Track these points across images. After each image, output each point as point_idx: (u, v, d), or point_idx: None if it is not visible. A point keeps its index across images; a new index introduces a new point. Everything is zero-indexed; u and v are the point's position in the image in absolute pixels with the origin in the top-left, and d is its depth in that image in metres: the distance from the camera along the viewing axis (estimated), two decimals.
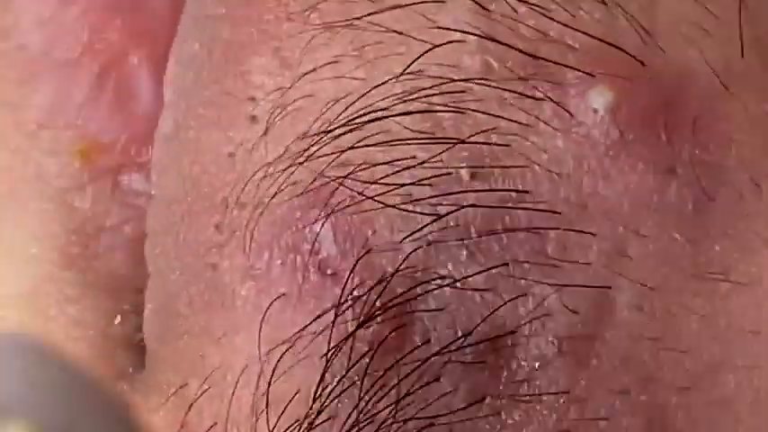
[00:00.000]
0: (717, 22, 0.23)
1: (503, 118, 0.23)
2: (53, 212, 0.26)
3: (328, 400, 0.23)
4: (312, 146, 0.24)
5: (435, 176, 0.23)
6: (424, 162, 0.23)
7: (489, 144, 0.23)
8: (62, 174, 0.27)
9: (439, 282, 0.23)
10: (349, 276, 0.23)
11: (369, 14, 0.24)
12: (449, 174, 0.23)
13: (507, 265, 0.23)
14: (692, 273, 0.23)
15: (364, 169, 0.23)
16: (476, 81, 0.23)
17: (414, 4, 0.24)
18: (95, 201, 0.27)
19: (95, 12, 0.27)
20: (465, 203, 0.23)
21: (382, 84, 0.23)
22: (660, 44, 0.23)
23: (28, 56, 0.27)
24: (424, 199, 0.23)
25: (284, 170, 0.24)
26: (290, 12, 0.24)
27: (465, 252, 0.23)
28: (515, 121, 0.23)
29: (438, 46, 0.23)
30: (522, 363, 0.23)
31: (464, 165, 0.23)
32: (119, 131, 0.27)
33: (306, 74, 0.24)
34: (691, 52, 0.23)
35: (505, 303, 0.23)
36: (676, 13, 0.23)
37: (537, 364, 0.23)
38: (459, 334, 0.23)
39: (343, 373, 0.23)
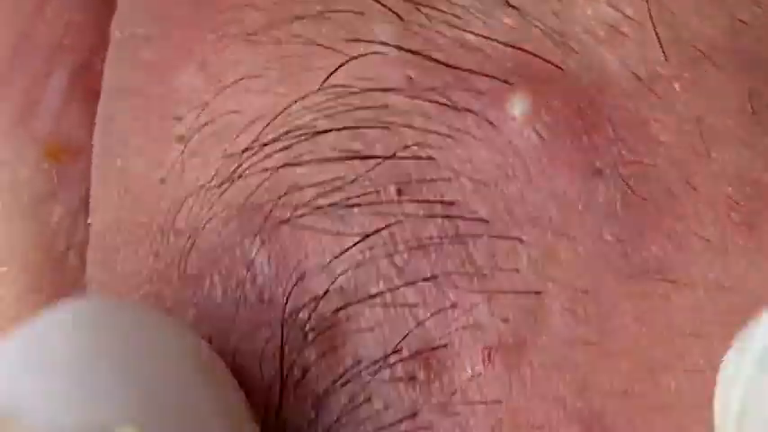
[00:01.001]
0: (633, 25, 0.23)
1: (427, 131, 0.23)
2: (23, 228, 0.27)
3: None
4: (240, 165, 0.24)
5: (363, 195, 0.23)
6: (352, 181, 0.23)
7: (415, 158, 0.23)
8: (33, 180, 0.27)
9: (369, 301, 0.23)
10: (285, 302, 0.23)
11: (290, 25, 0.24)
12: (377, 191, 0.23)
13: (437, 277, 0.23)
14: (627, 274, 0.23)
15: (294, 191, 0.24)
16: (397, 93, 0.23)
17: (335, 11, 0.24)
18: (64, 214, 0.27)
19: (68, 13, 0.27)
20: (393, 220, 0.23)
21: (303, 98, 0.24)
22: (576, 48, 0.23)
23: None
24: (352, 218, 0.23)
25: (217, 193, 0.24)
26: (213, 26, 0.25)
27: (394, 269, 0.23)
28: (439, 133, 0.23)
29: (354, 58, 0.24)
30: (454, 375, 0.23)
31: (392, 181, 0.23)
32: (88, 136, 0.26)
33: (228, 87, 0.24)
34: (608, 55, 0.23)
35: (433, 315, 0.23)
36: (591, 17, 0.23)
37: (468, 376, 0.23)
38: (389, 351, 0.23)
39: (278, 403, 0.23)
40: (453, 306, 0.23)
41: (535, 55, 0.23)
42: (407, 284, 0.23)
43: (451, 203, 0.23)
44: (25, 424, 0.22)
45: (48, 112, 0.27)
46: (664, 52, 0.23)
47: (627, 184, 0.23)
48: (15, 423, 0.21)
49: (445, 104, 0.23)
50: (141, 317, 0.23)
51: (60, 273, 0.26)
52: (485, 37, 0.23)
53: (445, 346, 0.23)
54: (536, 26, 0.23)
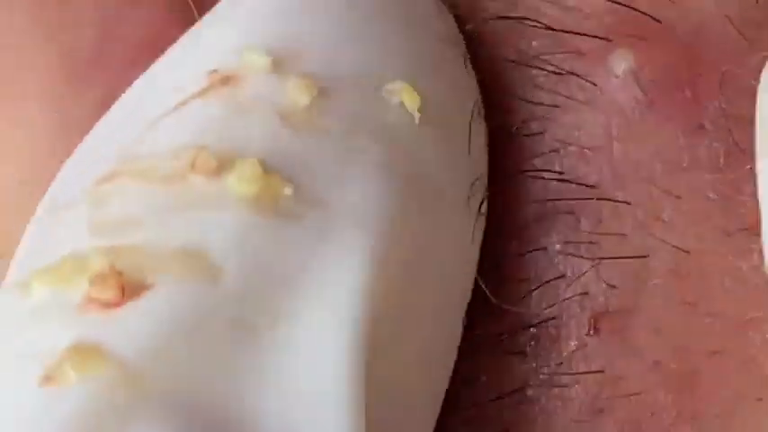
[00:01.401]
0: None
1: (534, 103, 0.23)
2: None
3: None
4: None
5: None
6: None
7: (525, 136, 0.23)
8: None
9: None
10: None
11: None
12: None
13: (545, 249, 0.22)
14: (727, 231, 0.22)
15: None
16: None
17: None
18: None
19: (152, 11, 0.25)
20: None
21: None
22: None
23: None
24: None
25: None
26: None
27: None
28: (545, 104, 0.23)
29: None
30: (561, 347, 0.22)
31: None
32: None
33: None
34: (705, 3, 0.22)
35: (541, 287, 0.22)
36: None
37: (574, 346, 0.22)
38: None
39: None
40: (561, 276, 0.22)
41: (632, 8, 0.22)
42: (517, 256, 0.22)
43: (560, 173, 0.22)
44: (303, 60, 0.21)
45: None
46: None
47: (731, 137, 0.22)
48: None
49: (550, 71, 0.22)
50: None
51: None
52: None
53: (554, 318, 0.22)
54: None
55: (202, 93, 0.21)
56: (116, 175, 0.20)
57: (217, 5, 0.23)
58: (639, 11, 0.22)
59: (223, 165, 0.19)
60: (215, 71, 0.21)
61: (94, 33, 0.24)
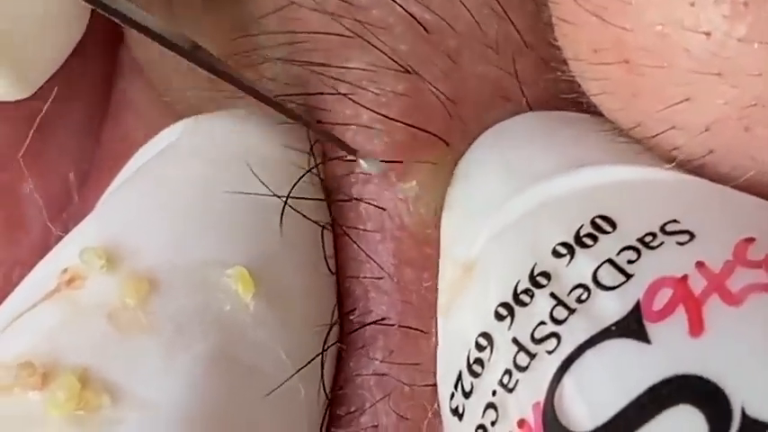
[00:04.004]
0: None
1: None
2: None
3: None
4: None
5: None
6: None
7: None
8: None
9: None
10: None
11: None
12: None
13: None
14: None
15: None
16: None
17: None
18: None
19: None
20: None
21: None
22: None
23: None
24: None
25: None
26: None
27: None
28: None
29: None
30: None
31: None
32: (4, 255, 0.27)
33: None
34: None
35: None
36: None
37: None
38: None
39: None
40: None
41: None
42: None
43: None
44: (140, 256, 0.22)
45: None
46: None
47: None
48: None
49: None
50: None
51: None
52: None
53: None
54: None
55: (50, 294, 0.22)
56: None
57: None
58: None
59: (47, 378, 0.21)
60: (65, 270, 0.22)
61: None
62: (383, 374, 0.25)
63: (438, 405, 0.24)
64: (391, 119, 0.25)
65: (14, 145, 0.27)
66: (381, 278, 0.25)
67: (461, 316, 0.23)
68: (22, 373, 0.21)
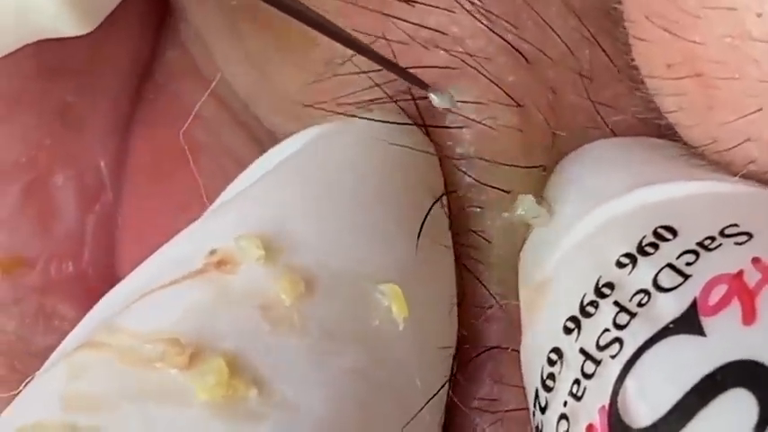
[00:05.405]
0: None
1: None
2: None
3: None
4: None
5: None
6: None
7: None
8: None
9: None
10: None
11: None
12: None
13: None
14: None
15: None
16: None
17: None
18: (20, 323, 0.27)
19: (26, 129, 0.27)
20: None
21: None
22: None
23: None
24: None
25: None
26: None
27: None
28: None
29: None
30: None
31: None
32: (40, 248, 0.27)
33: None
34: None
35: None
36: None
37: None
38: None
39: None
40: None
41: None
42: None
43: None
44: (297, 251, 0.22)
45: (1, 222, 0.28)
46: None
47: None
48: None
49: None
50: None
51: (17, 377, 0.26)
52: None
53: None
54: None
55: (196, 274, 0.22)
56: (95, 345, 0.21)
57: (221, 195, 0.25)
58: None
59: (195, 359, 0.20)
60: (214, 251, 0.22)
61: None
62: (494, 399, 0.25)
63: None
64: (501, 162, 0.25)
65: (44, 137, 0.28)
66: (491, 307, 0.26)
67: (536, 336, 0.24)
68: (171, 349, 0.20)
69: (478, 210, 0.26)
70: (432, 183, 0.25)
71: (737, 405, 0.19)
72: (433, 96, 0.25)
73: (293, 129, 0.26)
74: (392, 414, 0.22)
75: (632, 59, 0.25)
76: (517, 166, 0.25)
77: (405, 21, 0.25)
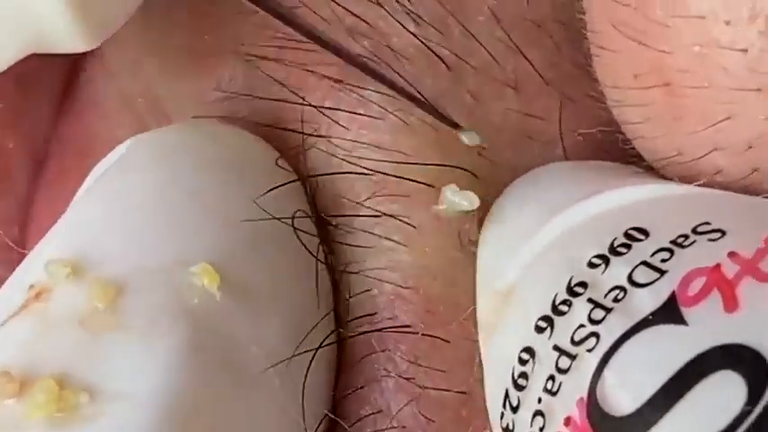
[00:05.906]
0: None
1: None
2: None
3: None
4: None
5: None
6: None
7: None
8: None
9: None
10: None
11: None
12: None
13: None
14: None
15: None
16: None
17: None
18: None
19: None
20: None
21: None
22: None
23: None
24: None
25: None
26: None
27: None
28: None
29: None
30: None
31: None
32: None
33: None
34: None
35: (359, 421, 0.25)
36: None
37: None
38: None
39: None
40: (379, 411, 0.25)
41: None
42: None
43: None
44: (105, 263, 0.23)
45: None
46: None
47: None
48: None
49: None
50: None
51: None
52: None
53: None
54: None
55: (21, 310, 0.23)
56: None
57: None
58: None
59: (25, 386, 0.21)
60: (32, 286, 0.23)
61: None
62: (409, 378, 0.25)
63: (466, 412, 0.25)
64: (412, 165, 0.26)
65: None
66: (408, 288, 0.26)
67: (503, 340, 0.24)
68: (1, 381, 0.21)
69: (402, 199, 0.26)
70: (267, 173, 0.26)
71: (725, 385, 0.19)
72: (462, 136, 0.26)
73: None
74: (230, 381, 0.22)
75: (582, 70, 0.25)
76: (432, 164, 0.26)
77: (334, 1, 0.26)
